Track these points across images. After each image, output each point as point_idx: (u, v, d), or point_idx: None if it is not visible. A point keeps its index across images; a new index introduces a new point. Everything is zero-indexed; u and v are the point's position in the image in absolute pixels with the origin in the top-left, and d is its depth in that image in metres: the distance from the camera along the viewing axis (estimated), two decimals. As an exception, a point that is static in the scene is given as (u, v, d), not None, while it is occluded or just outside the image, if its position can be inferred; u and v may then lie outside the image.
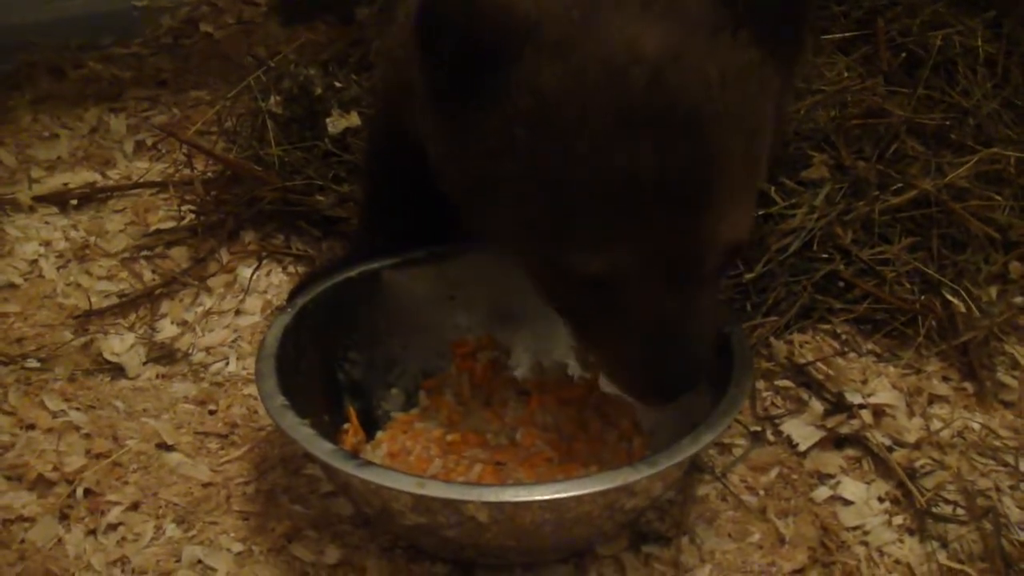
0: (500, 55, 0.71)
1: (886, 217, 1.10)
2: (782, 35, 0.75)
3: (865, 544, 0.81)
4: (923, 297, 1.05)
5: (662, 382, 0.74)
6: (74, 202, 1.29)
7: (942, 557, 0.80)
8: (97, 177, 1.35)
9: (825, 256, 1.07)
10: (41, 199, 1.30)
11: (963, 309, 1.04)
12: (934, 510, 0.83)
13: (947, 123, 1.22)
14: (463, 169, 0.77)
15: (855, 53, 1.36)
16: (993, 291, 1.09)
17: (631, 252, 0.70)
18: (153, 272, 1.15)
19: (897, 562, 0.80)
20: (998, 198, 1.13)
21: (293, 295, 0.94)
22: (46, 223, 1.26)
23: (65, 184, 1.33)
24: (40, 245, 1.21)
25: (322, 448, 0.73)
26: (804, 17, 0.79)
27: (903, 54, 1.34)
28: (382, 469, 0.72)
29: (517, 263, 0.80)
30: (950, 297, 1.05)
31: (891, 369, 0.98)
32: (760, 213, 1.08)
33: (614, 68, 0.69)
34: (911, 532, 0.82)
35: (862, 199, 1.11)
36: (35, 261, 1.19)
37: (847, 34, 1.39)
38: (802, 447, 0.90)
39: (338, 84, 1.24)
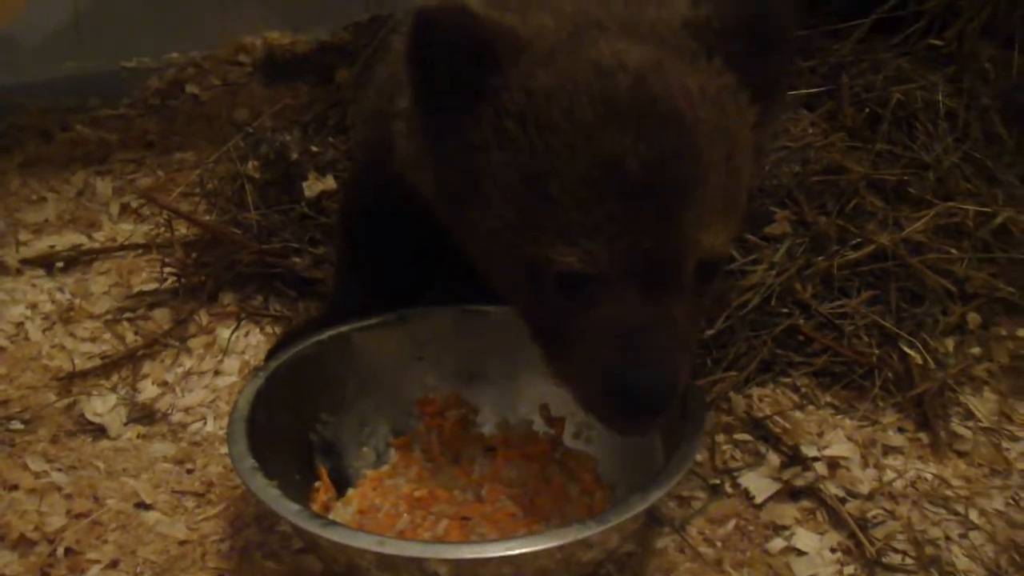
0: (495, 61, 0.76)
1: (845, 271, 1.14)
2: (754, 68, 0.79)
3: (818, 597, 0.84)
4: (880, 350, 1.08)
5: (630, 402, 0.73)
6: (60, 264, 1.33)
7: (893, 607, 0.83)
8: (83, 239, 1.38)
9: (785, 311, 1.10)
10: (28, 262, 1.33)
11: (920, 361, 1.07)
12: (884, 560, 0.86)
13: (906, 178, 1.26)
14: (449, 174, 0.81)
15: (820, 109, 1.40)
16: (950, 343, 1.12)
17: (608, 247, 0.72)
18: (136, 334, 1.19)
19: (849, 614, 0.83)
20: (954, 251, 1.17)
21: (269, 356, 0.98)
22: (32, 285, 1.29)
23: (52, 247, 1.36)
24: (26, 308, 1.24)
25: (288, 509, 0.76)
26: (776, 52, 0.82)
27: (866, 109, 1.38)
28: (345, 529, 0.76)
29: (490, 276, 0.83)
30: (907, 349, 1.08)
31: (847, 421, 1.02)
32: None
33: (602, 70, 0.74)
34: (863, 582, 0.85)
35: (822, 254, 1.15)
36: (21, 324, 1.22)
37: (812, 90, 1.43)
38: (758, 499, 0.93)
39: (315, 148, 1.29)
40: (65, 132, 1.67)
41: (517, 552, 0.72)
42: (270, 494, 0.77)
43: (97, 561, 0.88)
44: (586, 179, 0.72)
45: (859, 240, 1.16)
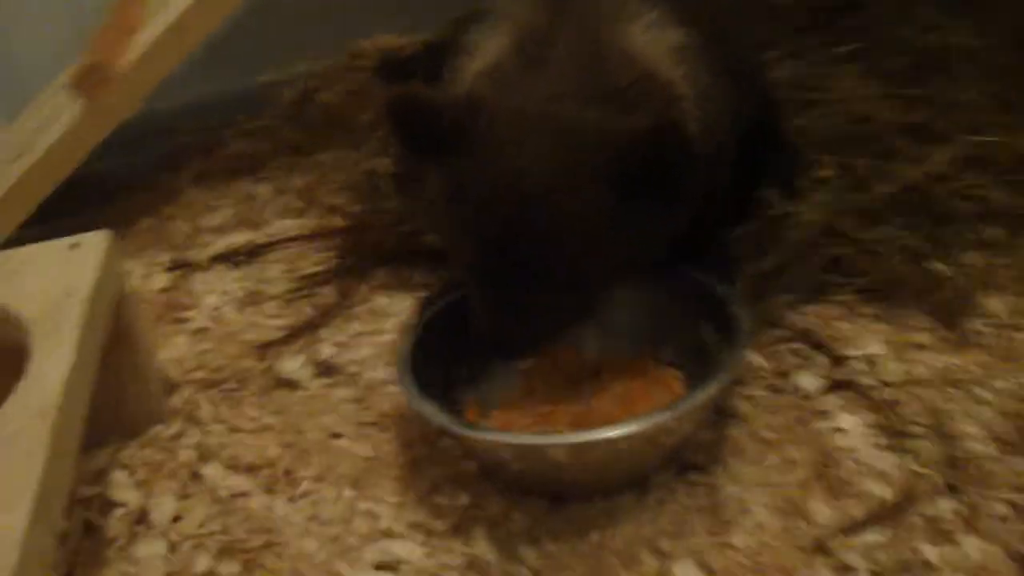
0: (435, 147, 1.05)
1: (880, 205, 1.37)
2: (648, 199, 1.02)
3: (854, 459, 1.09)
4: (912, 267, 1.31)
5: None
6: (240, 258, 1.63)
7: (912, 465, 1.07)
8: (255, 236, 1.67)
9: (831, 242, 1.33)
10: (215, 259, 1.64)
11: (948, 274, 1.30)
12: (907, 430, 1.10)
13: (932, 119, 1.47)
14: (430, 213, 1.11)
15: (863, 61, 1.63)
16: (976, 256, 1.33)
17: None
18: (310, 307, 1.47)
19: (877, 470, 1.07)
20: (974, 177, 1.38)
21: (418, 314, 1.26)
22: (221, 277, 1.59)
23: (230, 244, 1.66)
24: (220, 295, 1.54)
25: (451, 423, 1.05)
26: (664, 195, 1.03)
27: (902, 58, 1.61)
28: (492, 430, 1.04)
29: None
30: (935, 264, 1.30)
31: (883, 327, 1.24)
32: (773, 213, 1.36)
33: (498, 193, 1.00)
34: (889, 449, 1.09)
35: (859, 191, 1.38)
36: (218, 308, 1.51)
37: (852, 46, 1.65)
38: (810, 393, 1.17)
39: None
40: (222, 148, 1.95)
41: (614, 434, 0.99)
42: (437, 415, 1.05)
43: (307, 477, 1.18)
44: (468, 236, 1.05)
45: (890, 177, 1.38)
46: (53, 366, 0.99)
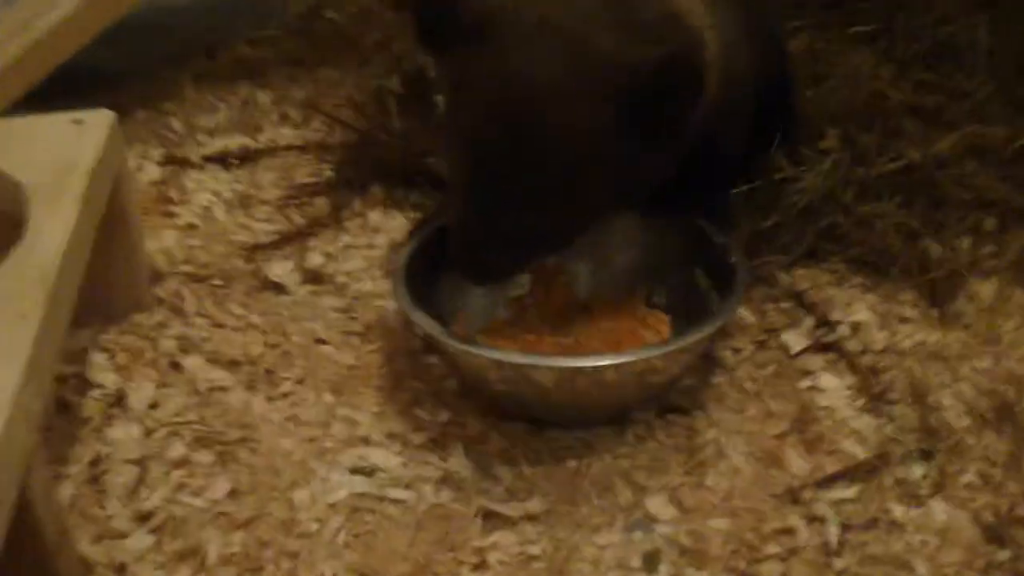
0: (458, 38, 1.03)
1: (881, 181, 1.38)
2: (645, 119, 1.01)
3: (832, 419, 1.10)
4: (905, 243, 1.32)
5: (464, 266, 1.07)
6: (235, 161, 1.61)
7: (888, 429, 1.09)
8: (251, 141, 1.65)
9: (828, 211, 1.34)
10: (208, 159, 1.62)
11: (937, 253, 1.31)
12: (886, 396, 1.12)
13: (942, 106, 1.49)
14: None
15: (877, 44, 1.64)
16: (967, 241, 1.35)
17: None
18: (301, 216, 1.47)
19: (854, 430, 1.09)
20: (973, 165, 1.40)
21: (411, 233, 1.26)
22: (214, 177, 1.57)
23: (225, 146, 1.65)
24: (211, 194, 1.53)
25: (440, 331, 1.05)
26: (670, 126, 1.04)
27: (917, 45, 1.62)
28: (481, 346, 1.04)
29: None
30: (927, 243, 1.32)
31: (871, 297, 1.26)
32: (779, 177, 1.37)
33: (504, 93, 1.00)
34: (867, 411, 1.11)
35: (862, 166, 1.39)
36: (208, 207, 1.50)
37: (870, 27, 1.67)
38: (794, 351, 1.19)
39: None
40: (225, 51, 1.93)
41: (601, 363, 1.00)
42: (428, 322, 1.06)
43: (289, 378, 1.18)
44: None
45: (894, 155, 1.40)
46: (53, 233, 0.99)
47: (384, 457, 1.07)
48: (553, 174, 1.01)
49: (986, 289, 1.29)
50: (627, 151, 1.02)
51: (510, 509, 1.01)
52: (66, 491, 1.04)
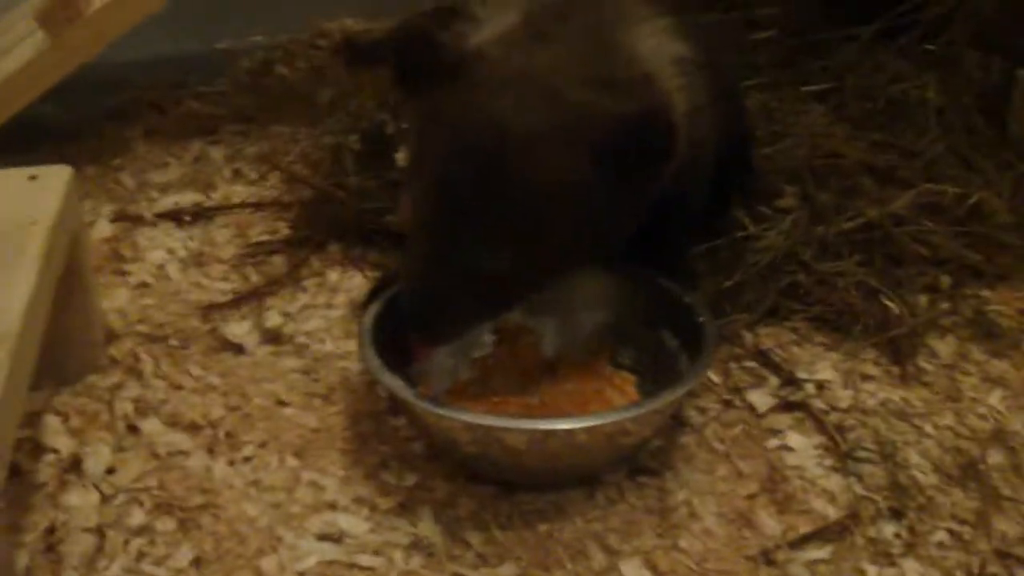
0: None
1: (840, 239, 1.39)
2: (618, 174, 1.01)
3: (801, 477, 1.10)
4: (865, 302, 1.33)
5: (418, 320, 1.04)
6: (187, 218, 1.59)
7: (857, 488, 1.09)
8: (204, 198, 1.64)
9: (789, 269, 1.35)
10: (160, 216, 1.60)
11: (896, 311, 1.33)
12: (854, 454, 1.12)
13: (896, 163, 1.51)
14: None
15: (828, 103, 1.67)
16: (924, 299, 1.37)
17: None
18: (258, 275, 1.45)
19: (824, 490, 1.09)
20: (929, 224, 1.42)
21: (370, 293, 1.24)
22: (167, 235, 1.55)
23: (177, 203, 1.62)
24: (165, 252, 1.50)
25: (408, 392, 1.03)
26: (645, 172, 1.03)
27: (868, 104, 1.65)
28: (452, 407, 1.03)
29: None
30: (887, 302, 1.33)
31: (834, 355, 1.27)
32: (739, 235, 1.38)
33: (477, 135, 0.99)
34: (836, 470, 1.11)
35: (821, 224, 1.40)
36: (162, 265, 1.47)
37: (823, 86, 1.70)
38: (761, 410, 1.19)
39: (404, 125, 1.55)
40: (177, 107, 1.92)
41: (574, 426, 0.99)
42: (396, 383, 1.04)
43: (250, 442, 1.15)
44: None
45: (852, 214, 1.41)
46: (14, 293, 0.96)
47: (352, 522, 1.05)
48: (520, 218, 1.00)
49: (944, 346, 1.30)
50: (598, 205, 1.02)
51: (482, 575, 0.99)
52: (20, 561, 1.00)
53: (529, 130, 0.99)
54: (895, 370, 1.26)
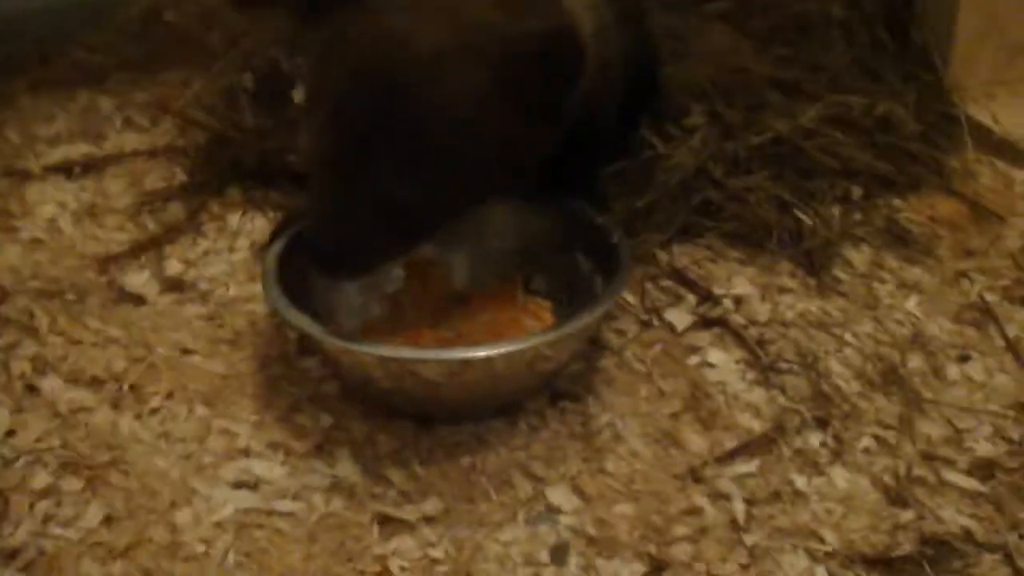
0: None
1: (750, 154, 1.38)
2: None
3: (724, 393, 1.09)
4: (777, 216, 1.32)
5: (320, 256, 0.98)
6: (78, 170, 1.52)
7: (781, 400, 1.08)
8: (95, 149, 1.56)
9: (700, 186, 1.33)
10: (49, 169, 1.52)
11: (810, 224, 1.32)
12: (775, 367, 1.11)
13: (802, 79, 1.50)
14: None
15: (732, 20, 1.65)
16: (836, 210, 1.36)
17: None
18: (155, 223, 1.39)
19: (748, 404, 1.08)
20: (838, 136, 1.41)
21: (273, 234, 1.19)
22: (57, 188, 1.48)
23: (67, 155, 1.55)
24: (55, 206, 1.43)
25: (320, 330, 0.99)
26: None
27: (771, 19, 1.63)
28: (365, 342, 0.99)
29: None
30: (799, 214, 1.32)
31: (750, 270, 1.25)
32: (648, 156, 1.36)
33: (378, 52, 0.95)
34: (759, 384, 1.10)
35: (730, 140, 1.39)
36: (53, 219, 1.40)
37: (724, 3, 1.68)
38: (679, 329, 1.17)
39: (300, 61, 1.49)
40: (62, 57, 1.83)
41: (492, 353, 0.96)
42: (305, 321, 1.00)
43: (156, 393, 1.11)
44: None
45: (760, 128, 1.40)
46: None
47: (267, 468, 1.01)
48: (422, 141, 0.95)
49: (859, 256, 1.30)
50: (505, 127, 0.98)
51: (406, 512, 0.96)
52: (-84, 534, 0.95)
53: (429, 48, 0.95)
54: (811, 281, 1.25)
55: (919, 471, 1.01)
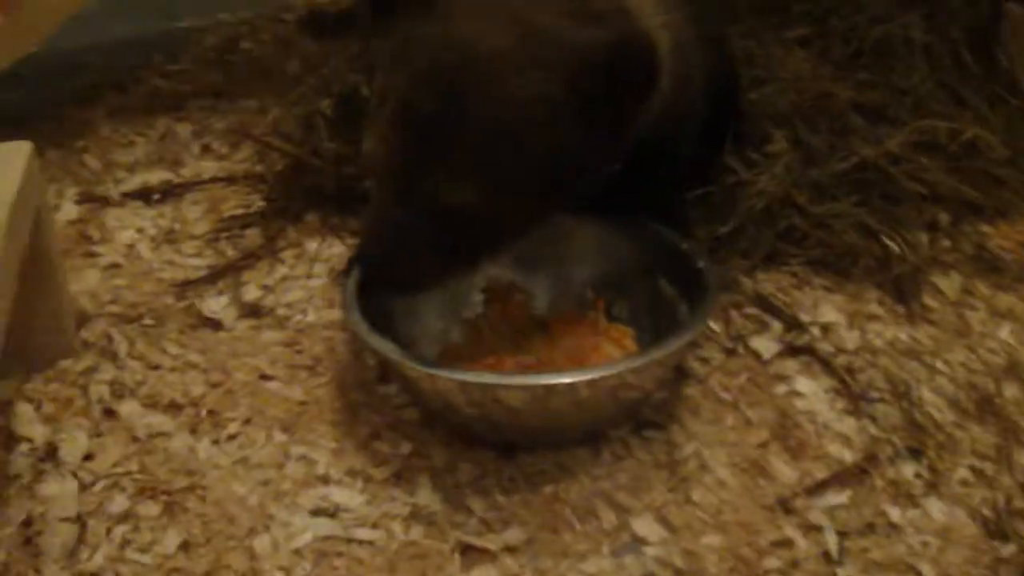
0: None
1: (834, 180, 1.35)
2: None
3: (813, 423, 1.06)
4: (864, 242, 1.29)
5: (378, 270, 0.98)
6: (156, 197, 1.53)
7: (872, 430, 1.05)
8: (172, 175, 1.57)
9: (785, 213, 1.31)
10: (128, 195, 1.53)
11: (897, 250, 1.28)
12: (866, 396, 1.08)
13: (885, 103, 1.47)
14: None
15: (812, 47, 1.62)
16: (924, 236, 1.33)
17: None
18: (233, 249, 1.39)
19: (838, 433, 1.04)
20: (924, 161, 1.38)
21: (351, 260, 1.19)
22: (135, 214, 1.49)
23: (145, 182, 1.56)
24: (134, 232, 1.44)
25: (402, 355, 0.98)
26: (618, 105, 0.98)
27: (852, 45, 1.60)
28: (447, 368, 0.98)
29: None
30: (886, 241, 1.29)
31: (837, 297, 1.22)
32: (732, 181, 1.33)
33: (444, 59, 0.94)
34: (849, 413, 1.07)
35: (814, 166, 1.36)
36: (132, 245, 1.41)
37: (805, 31, 1.65)
38: (766, 357, 1.14)
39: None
40: (141, 86, 1.85)
41: (576, 380, 0.94)
42: (388, 346, 0.98)
43: (234, 419, 1.10)
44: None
45: (845, 154, 1.37)
46: (-27, 270, 0.90)
47: (347, 496, 1.00)
48: (485, 146, 0.93)
49: (948, 283, 1.26)
50: (569, 137, 0.95)
51: (488, 541, 0.94)
52: (-3, 556, 0.95)
53: (497, 52, 0.93)
54: (900, 309, 1.22)
55: (1019, 503, 0.97)
